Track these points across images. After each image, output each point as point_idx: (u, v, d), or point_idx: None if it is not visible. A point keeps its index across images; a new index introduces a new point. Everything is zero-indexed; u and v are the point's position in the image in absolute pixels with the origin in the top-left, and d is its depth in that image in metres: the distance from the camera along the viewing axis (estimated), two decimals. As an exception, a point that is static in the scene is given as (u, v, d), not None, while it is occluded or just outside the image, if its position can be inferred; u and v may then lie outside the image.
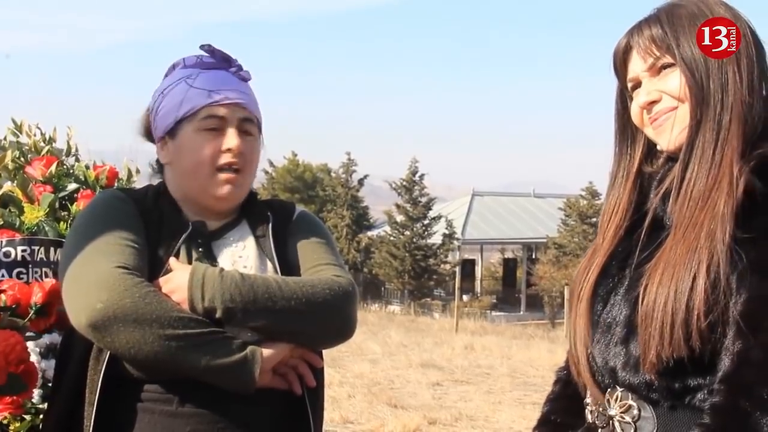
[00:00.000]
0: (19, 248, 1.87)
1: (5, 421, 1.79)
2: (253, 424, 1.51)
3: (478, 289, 32.11)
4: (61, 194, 2.24)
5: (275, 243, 1.63)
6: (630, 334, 1.25)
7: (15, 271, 1.84)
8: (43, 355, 1.86)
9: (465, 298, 26.98)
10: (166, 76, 1.67)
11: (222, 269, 1.50)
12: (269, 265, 1.61)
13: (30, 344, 1.63)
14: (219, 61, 1.64)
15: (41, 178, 2.23)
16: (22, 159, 2.33)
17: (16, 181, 2.16)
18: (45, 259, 1.90)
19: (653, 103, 1.32)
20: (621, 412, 1.27)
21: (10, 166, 2.23)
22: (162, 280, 1.49)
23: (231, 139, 1.57)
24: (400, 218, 30.21)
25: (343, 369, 9.58)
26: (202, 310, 1.45)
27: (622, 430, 1.27)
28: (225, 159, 1.57)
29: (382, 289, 31.27)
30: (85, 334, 1.43)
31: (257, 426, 1.52)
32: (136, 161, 2.44)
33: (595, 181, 29.33)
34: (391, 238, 29.79)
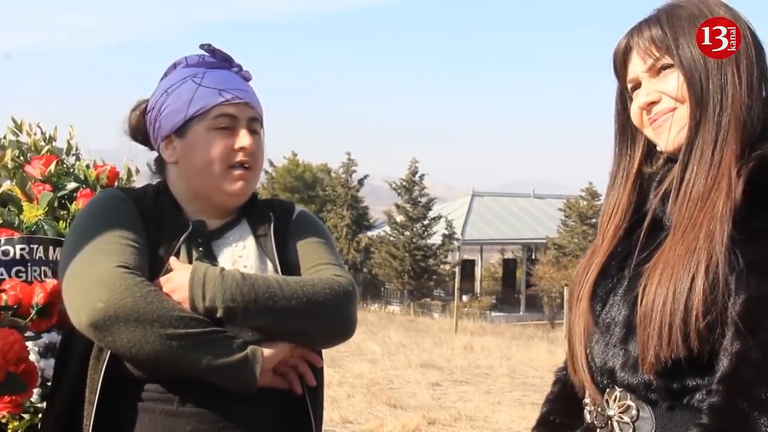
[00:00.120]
0: (18, 247, 1.87)
1: (4, 420, 1.79)
2: (254, 423, 1.51)
3: (477, 289, 32.08)
4: (61, 193, 2.24)
5: (276, 243, 1.63)
6: (629, 334, 1.25)
7: (14, 270, 1.84)
8: (42, 354, 1.87)
9: (464, 298, 26.97)
10: (165, 75, 1.67)
11: (223, 269, 1.50)
12: (269, 264, 1.61)
13: (29, 344, 1.63)
14: (220, 60, 1.64)
15: (40, 177, 2.23)
16: (21, 158, 2.33)
17: (15, 180, 2.16)
18: (44, 257, 1.90)
19: (653, 103, 1.32)
20: (619, 413, 1.27)
21: (10, 164, 2.23)
22: (163, 279, 1.49)
23: (244, 138, 1.59)
24: (399, 218, 30.19)
25: (343, 369, 9.58)
26: (203, 309, 1.45)
27: (621, 430, 1.27)
28: (237, 157, 1.59)
29: (382, 289, 31.26)
30: (86, 334, 1.43)
31: (258, 425, 1.52)
32: (136, 161, 2.44)
33: (595, 182, 29.33)
34: (391, 239, 29.78)
